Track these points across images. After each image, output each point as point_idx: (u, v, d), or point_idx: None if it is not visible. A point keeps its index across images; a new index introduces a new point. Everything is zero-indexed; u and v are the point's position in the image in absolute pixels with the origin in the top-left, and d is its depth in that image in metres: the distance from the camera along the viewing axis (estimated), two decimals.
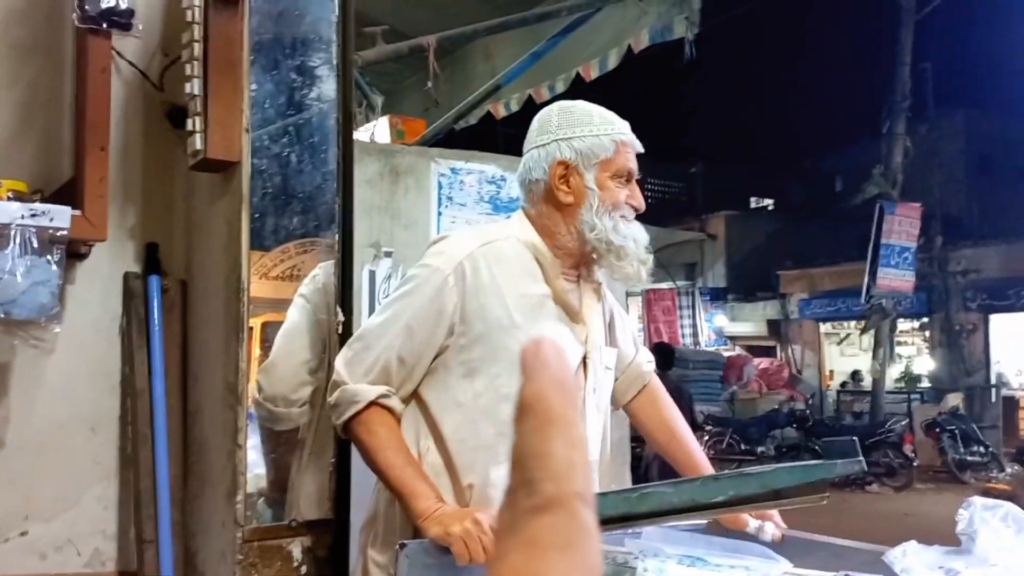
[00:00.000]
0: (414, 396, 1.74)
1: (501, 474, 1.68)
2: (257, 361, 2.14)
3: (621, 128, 1.76)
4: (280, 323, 2.07)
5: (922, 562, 1.07)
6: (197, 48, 1.87)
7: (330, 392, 1.72)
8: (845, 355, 19.56)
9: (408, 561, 1.50)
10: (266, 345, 2.11)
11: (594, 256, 1.76)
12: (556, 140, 1.74)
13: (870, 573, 1.23)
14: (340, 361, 1.72)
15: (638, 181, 1.79)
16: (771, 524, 1.80)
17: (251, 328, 2.03)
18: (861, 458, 1.32)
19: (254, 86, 1.91)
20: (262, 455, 2.16)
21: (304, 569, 1.93)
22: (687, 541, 1.56)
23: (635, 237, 1.74)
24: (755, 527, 1.79)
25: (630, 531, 1.64)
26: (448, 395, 1.71)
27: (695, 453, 1.97)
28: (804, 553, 1.54)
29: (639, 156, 1.79)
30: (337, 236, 2.05)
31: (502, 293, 1.70)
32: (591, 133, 1.73)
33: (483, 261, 1.71)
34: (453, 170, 2.50)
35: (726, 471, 1.43)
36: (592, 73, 3.83)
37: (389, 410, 1.68)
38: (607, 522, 1.42)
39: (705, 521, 1.81)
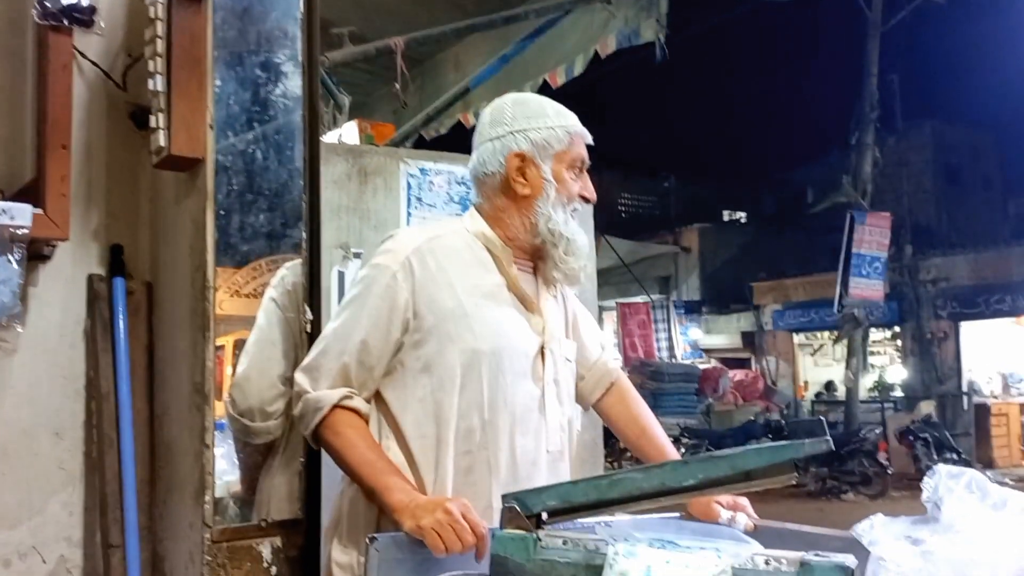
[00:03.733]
0: (374, 396, 1.73)
1: (462, 465, 1.68)
2: (229, 378, 2.12)
3: (573, 120, 1.79)
4: None
5: (889, 533, 1.07)
6: (160, 44, 1.86)
7: (294, 404, 1.72)
8: (819, 365, 19.75)
9: (378, 556, 1.48)
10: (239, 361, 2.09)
11: (543, 249, 1.76)
12: (511, 132, 1.75)
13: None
14: (300, 372, 1.72)
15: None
16: (743, 515, 1.80)
17: (222, 346, 2.01)
18: (828, 437, 1.33)
19: (218, 82, 1.90)
20: (231, 458, 2.14)
21: (274, 570, 1.90)
22: (658, 527, 1.55)
23: (582, 243, 1.76)
24: (727, 518, 1.79)
25: (602, 520, 1.63)
26: (407, 392, 1.70)
27: (666, 448, 1.97)
28: (776, 542, 1.54)
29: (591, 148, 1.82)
30: (304, 234, 2.03)
31: (452, 284, 1.70)
32: (546, 125, 1.75)
33: (430, 254, 1.70)
34: (422, 171, 2.50)
35: (696, 455, 1.42)
36: (559, 79, 3.85)
37: (354, 411, 1.68)
38: (578, 509, 1.42)
39: (678, 514, 1.81)
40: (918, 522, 1.08)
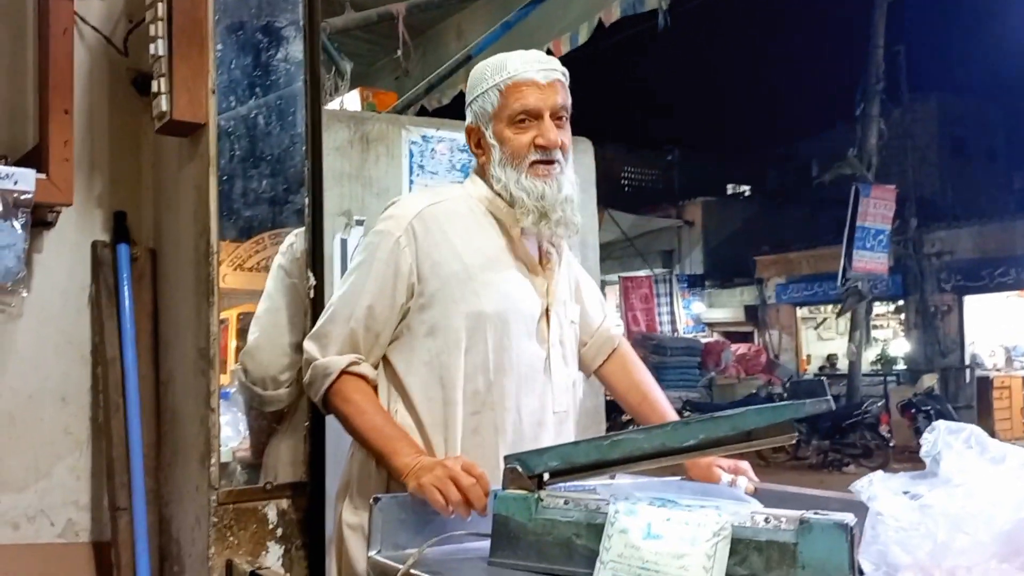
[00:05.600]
0: (382, 360, 1.75)
1: (469, 426, 1.69)
2: (233, 351, 2.12)
3: (511, 70, 1.72)
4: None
5: (888, 489, 1.08)
6: (161, 8, 1.85)
7: (303, 371, 1.74)
8: (822, 339, 19.77)
9: (382, 516, 1.49)
10: (244, 333, 2.09)
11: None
12: (467, 108, 1.80)
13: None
14: (308, 340, 1.74)
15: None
16: (744, 478, 1.81)
17: (226, 319, 2.01)
18: (828, 397, 1.34)
19: (219, 47, 1.90)
20: (235, 425, 2.15)
21: (280, 531, 1.92)
22: (659, 488, 1.56)
23: (537, 195, 1.70)
24: (728, 481, 1.81)
25: (603, 482, 1.65)
26: (414, 356, 1.72)
27: (668, 414, 1.98)
28: (777, 504, 1.56)
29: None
30: (307, 201, 2.03)
31: (455, 248, 1.71)
32: (481, 90, 1.75)
33: (433, 219, 1.71)
34: (424, 138, 2.49)
35: (696, 416, 1.43)
36: (563, 48, 3.82)
37: (361, 377, 1.69)
38: (580, 470, 1.43)
39: (679, 477, 1.83)
40: (916, 477, 1.09)
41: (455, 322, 1.69)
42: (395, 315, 1.71)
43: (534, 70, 1.71)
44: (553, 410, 1.77)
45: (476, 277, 1.70)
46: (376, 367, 1.74)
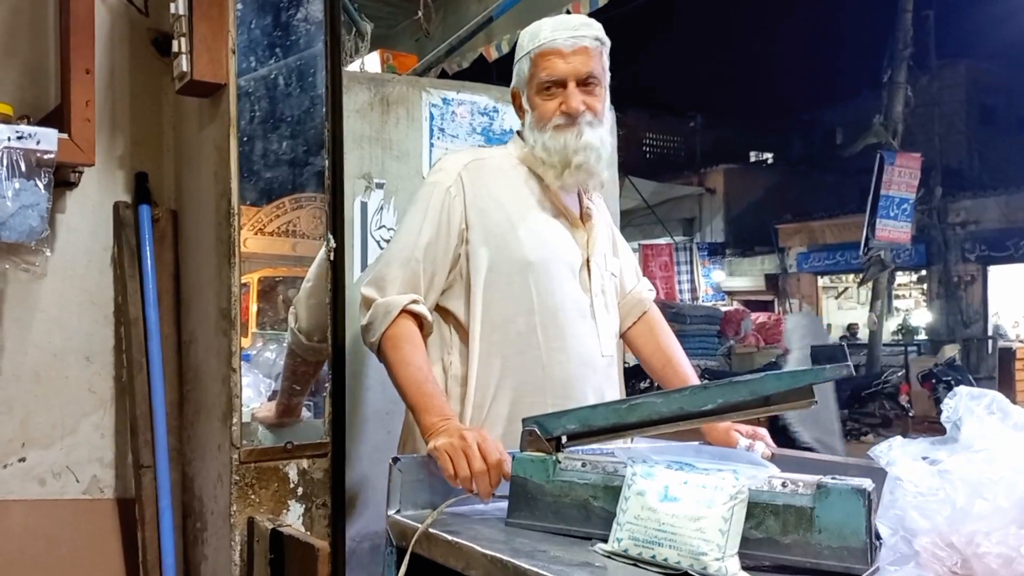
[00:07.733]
0: (439, 311, 1.78)
1: (516, 364, 1.71)
2: (254, 315, 2.13)
3: (541, 38, 1.77)
4: (275, 279, 2.05)
5: (907, 454, 1.07)
6: None
7: (362, 313, 1.73)
8: (843, 308, 19.65)
9: (401, 475, 1.51)
10: (265, 296, 2.10)
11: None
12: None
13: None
14: (366, 286, 1.75)
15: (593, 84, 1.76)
16: (761, 444, 1.82)
17: (247, 284, 2.02)
18: (849, 363, 1.33)
19: (240, 6, 1.89)
20: (256, 387, 2.18)
21: (300, 490, 1.95)
22: (677, 451, 1.56)
23: (559, 148, 1.75)
24: (746, 446, 1.82)
25: (621, 445, 1.66)
26: (458, 303, 1.75)
27: (690, 379, 1.98)
28: (795, 469, 1.56)
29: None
30: (327, 162, 2.02)
31: (499, 199, 1.76)
32: (518, 58, 1.82)
33: (477, 173, 1.77)
34: (445, 100, 2.47)
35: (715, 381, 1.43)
36: (582, 10, 3.75)
37: (418, 318, 1.70)
38: (598, 433, 1.44)
39: (698, 442, 1.83)
40: (937, 443, 1.08)
41: (499, 268, 1.74)
42: (449, 259, 1.75)
43: (562, 38, 1.75)
44: (602, 353, 1.80)
45: (518, 226, 1.75)
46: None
